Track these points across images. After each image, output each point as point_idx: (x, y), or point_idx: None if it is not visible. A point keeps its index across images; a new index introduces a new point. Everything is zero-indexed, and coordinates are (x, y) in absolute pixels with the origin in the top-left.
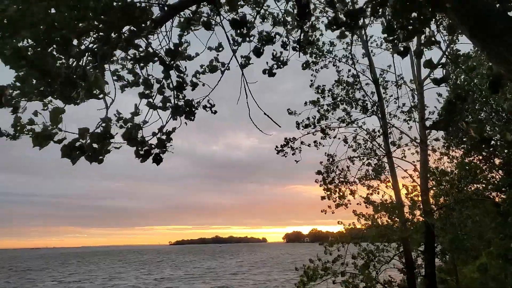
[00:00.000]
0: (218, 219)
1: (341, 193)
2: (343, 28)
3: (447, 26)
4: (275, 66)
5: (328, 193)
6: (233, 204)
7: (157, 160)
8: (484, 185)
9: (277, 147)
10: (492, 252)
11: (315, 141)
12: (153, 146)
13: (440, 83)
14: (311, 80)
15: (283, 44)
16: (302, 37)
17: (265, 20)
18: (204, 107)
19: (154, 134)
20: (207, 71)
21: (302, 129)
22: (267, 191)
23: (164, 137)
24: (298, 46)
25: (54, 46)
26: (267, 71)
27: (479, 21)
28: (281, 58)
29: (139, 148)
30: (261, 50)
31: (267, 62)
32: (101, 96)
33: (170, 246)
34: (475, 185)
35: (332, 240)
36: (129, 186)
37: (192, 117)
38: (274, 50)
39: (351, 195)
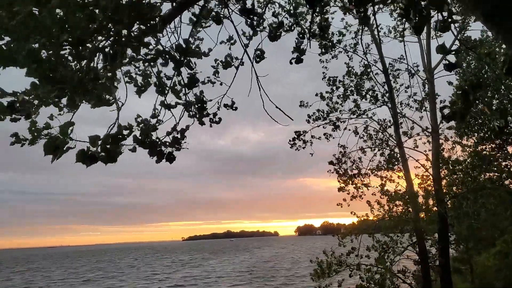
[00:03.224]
0: (229, 214)
1: (354, 185)
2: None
3: (459, 11)
4: (299, 55)
5: (344, 185)
6: (243, 199)
7: (170, 159)
8: (497, 174)
9: (290, 140)
10: (507, 240)
11: (325, 134)
12: (167, 144)
13: (453, 68)
14: (324, 73)
15: (299, 33)
16: (316, 22)
17: (275, 14)
18: (226, 106)
19: (168, 133)
20: (221, 66)
21: (312, 122)
22: (277, 185)
23: (178, 135)
24: (318, 30)
25: (67, 48)
26: (294, 60)
27: (497, 3)
28: (302, 48)
29: (152, 150)
30: (277, 34)
31: (292, 52)
32: (112, 101)
33: (184, 242)
34: (488, 173)
35: (345, 232)
36: (140, 183)
37: (217, 119)
38: (296, 39)
39: (364, 186)
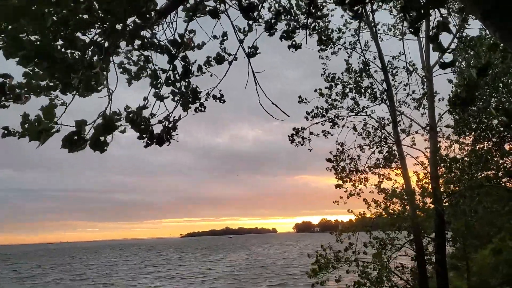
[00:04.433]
0: (228, 211)
1: (352, 182)
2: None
3: (458, 9)
4: (290, 33)
5: (341, 182)
6: (242, 196)
7: (160, 142)
8: (495, 172)
9: (289, 136)
10: (504, 238)
11: (323, 131)
12: (158, 133)
13: (447, 67)
14: (323, 69)
15: (291, 29)
16: (313, 11)
17: (271, 10)
18: (214, 97)
19: (160, 122)
20: (214, 62)
21: (311, 119)
22: (276, 182)
23: (170, 125)
24: (312, 20)
25: (61, 40)
26: (284, 36)
27: (496, 3)
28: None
29: (143, 135)
30: (274, 28)
31: (282, 39)
32: (100, 88)
33: (182, 239)
34: (485, 171)
35: (343, 229)
36: (139, 180)
37: (203, 109)
38: (286, 24)
39: (362, 184)
